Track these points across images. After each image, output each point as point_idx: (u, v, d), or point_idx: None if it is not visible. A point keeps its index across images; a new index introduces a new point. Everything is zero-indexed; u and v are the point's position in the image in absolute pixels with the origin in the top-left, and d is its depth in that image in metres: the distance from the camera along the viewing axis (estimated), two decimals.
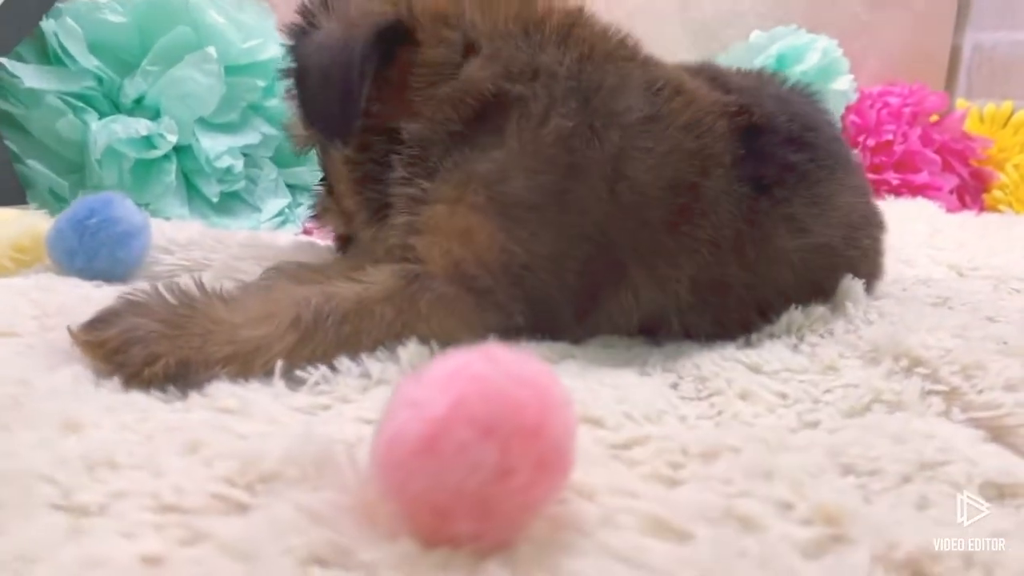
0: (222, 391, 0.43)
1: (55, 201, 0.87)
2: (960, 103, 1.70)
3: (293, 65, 0.57)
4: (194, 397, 0.42)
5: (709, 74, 0.64)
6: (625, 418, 0.42)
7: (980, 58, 1.77)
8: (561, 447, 0.31)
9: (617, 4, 1.36)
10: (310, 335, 0.46)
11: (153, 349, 0.43)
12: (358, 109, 0.52)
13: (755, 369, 0.51)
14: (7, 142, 0.87)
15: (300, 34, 0.58)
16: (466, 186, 0.52)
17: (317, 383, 0.45)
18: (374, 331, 0.48)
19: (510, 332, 0.51)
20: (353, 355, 0.47)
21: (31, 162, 0.87)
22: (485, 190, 0.51)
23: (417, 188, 0.53)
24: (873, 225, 0.69)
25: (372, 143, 0.56)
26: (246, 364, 0.45)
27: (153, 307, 0.46)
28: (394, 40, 0.54)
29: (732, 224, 0.57)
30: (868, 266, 0.68)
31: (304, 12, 0.58)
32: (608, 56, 0.57)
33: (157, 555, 0.28)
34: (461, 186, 0.52)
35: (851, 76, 1.49)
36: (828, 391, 0.48)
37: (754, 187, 0.58)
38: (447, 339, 0.48)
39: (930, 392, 0.48)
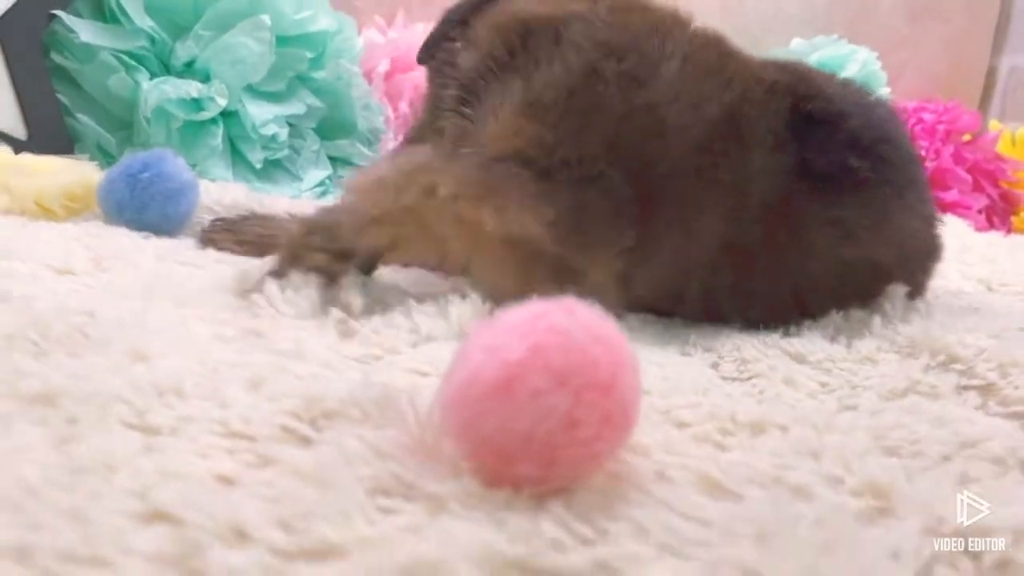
0: (278, 335, 0.44)
1: (102, 156, 0.88)
2: (993, 124, 1.70)
3: None
4: (251, 338, 0.43)
5: (792, 68, 0.64)
6: (673, 389, 0.43)
7: (1015, 81, 1.77)
8: (627, 406, 0.31)
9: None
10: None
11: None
12: (437, 35, 0.62)
13: (798, 359, 0.52)
14: (59, 95, 0.88)
15: None
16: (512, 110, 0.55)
17: (368, 335, 0.46)
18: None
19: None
20: None
21: (81, 116, 0.89)
22: (527, 108, 0.55)
23: (461, 116, 0.58)
24: (931, 258, 0.68)
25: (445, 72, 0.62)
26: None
27: None
28: None
29: (761, 200, 0.57)
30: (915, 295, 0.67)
31: None
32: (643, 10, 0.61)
33: (230, 475, 0.29)
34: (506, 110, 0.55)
35: (888, 90, 1.49)
36: (868, 378, 0.49)
37: (798, 176, 0.58)
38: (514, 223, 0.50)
39: (966, 387, 0.48)
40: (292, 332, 0.44)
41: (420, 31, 1.08)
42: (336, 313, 0.49)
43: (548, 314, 0.31)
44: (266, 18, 0.90)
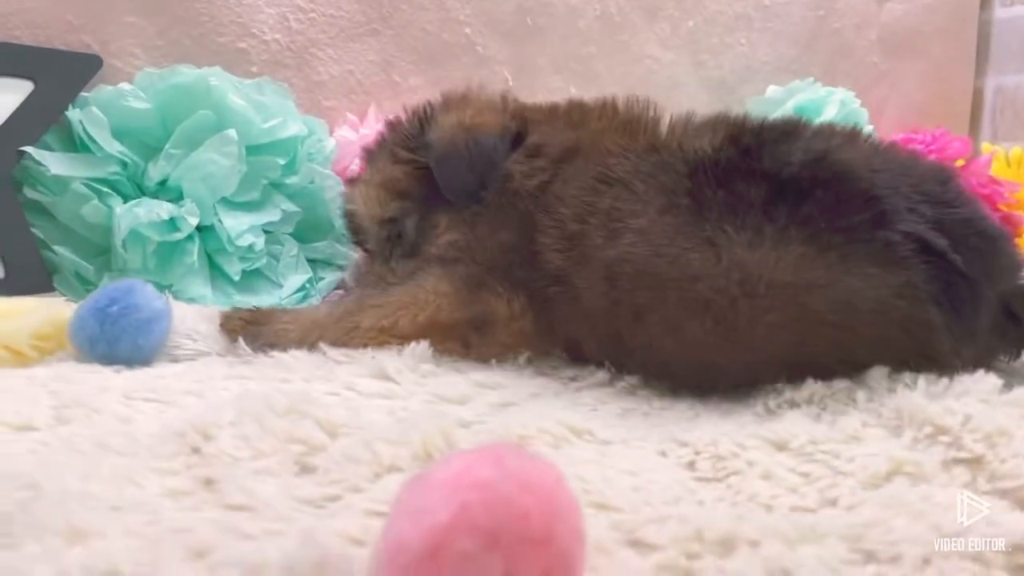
0: (231, 486, 0.42)
1: (81, 284, 0.88)
2: (985, 147, 1.69)
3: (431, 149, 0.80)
4: (202, 492, 0.42)
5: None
6: (642, 502, 0.41)
7: (1003, 101, 1.76)
8: (568, 555, 0.30)
9: (632, 65, 1.37)
10: (339, 305, 0.74)
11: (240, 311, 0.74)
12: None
13: (780, 446, 0.50)
14: (34, 229, 0.89)
15: (423, 124, 0.83)
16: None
17: (328, 470, 0.45)
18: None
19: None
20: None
21: (58, 248, 0.89)
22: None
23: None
24: None
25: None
26: (297, 320, 0.72)
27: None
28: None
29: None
30: None
31: (422, 109, 0.84)
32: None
33: None
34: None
35: (871, 127, 1.49)
36: (850, 460, 0.47)
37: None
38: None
39: (955, 460, 0.46)
40: (247, 479, 0.43)
41: None
42: (296, 448, 0.48)
43: (473, 468, 0.30)
44: (232, 133, 0.91)
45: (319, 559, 0.33)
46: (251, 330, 0.72)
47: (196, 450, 0.47)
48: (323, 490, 0.43)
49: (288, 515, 0.40)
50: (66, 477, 0.42)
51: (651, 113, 0.75)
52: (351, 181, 0.90)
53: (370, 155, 0.88)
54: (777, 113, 1.41)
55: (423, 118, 0.84)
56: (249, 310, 0.75)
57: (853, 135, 0.66)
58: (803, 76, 1.49)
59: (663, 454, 0.50)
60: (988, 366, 0.57)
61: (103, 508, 0.39)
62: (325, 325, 0.71)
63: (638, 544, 0.37)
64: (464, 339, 0.70)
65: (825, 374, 0.58)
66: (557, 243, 0.67)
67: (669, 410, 0.60)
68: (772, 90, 1.47)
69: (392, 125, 0.87)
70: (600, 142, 0.72)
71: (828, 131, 0.65)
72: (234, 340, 0.72)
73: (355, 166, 1.03)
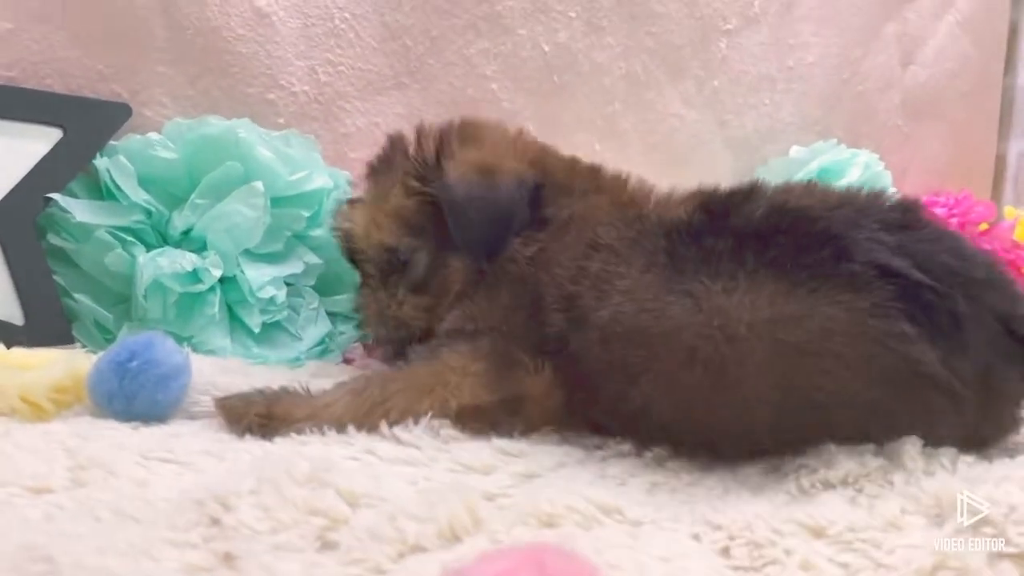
0: (251, 563, 0.41)
1: (100, 333, 0.88)
2: (1008, 212, 1.67)
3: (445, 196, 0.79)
4: (221, 571, 0.41)
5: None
6: None
7: None
8: None
9: (657, 123, 1.37)
10: (362, 393, 0.67)
11: (253, 406, 0.66)
12: (510, 240, 0.76)
13: (817, 533, 0.48)
14: (56, 276, 0.89)
15: (432, 169, 0.81)
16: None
17: (351, 547, 0.44)
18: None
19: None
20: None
21: (78, 295, 0.89)
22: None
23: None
24: None
25: None
26: (316, 419, 0.65)
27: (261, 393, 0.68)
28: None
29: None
30: None
31: (437, 136, 0.84)
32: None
33: None
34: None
35: (894, 190, 1.48)
36: (891, 552, 0.45)
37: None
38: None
39: (1000, 555, 0.44)
40: (267, 555, 0.42)
41: None
42: (317, 521, 0.46)
43: (517, 571, 0.29)
44: (259, 185, 0.91)
45: None
46: (264, 432, 0.64)
47: (216, 521, 0.45)
48: (345, 570, 0.42)
49: None
50: (81, 550, 0.41)
51: (645, 190, 0.80)
52: (351, 201, 0.89)
53: (374, 173, 0.87)
54: (800, 174, 1.40)
55: (438, 147, 0.82)
56: (264, 404, 0.66)
57: (811, 186, 0.72)
58: (826, 137, 1.49)
59: (696, 538, 0.48)
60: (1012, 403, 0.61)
61: None
62: (346, 424, 0.65)
63: None
64: (494, 421, 0.67)
65: (827, 420, 0.58)
66: (556, 302, 0.69)
67: (698, 485, 0.58)
68: (795, 150, 1.46)
69: (398, 145, 0.86)
70: (594, 214, 0.75)
71: (789, 186, 0.70)
72: (242, 435, 0.65)
73: None
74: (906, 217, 0.63)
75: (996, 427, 0.62)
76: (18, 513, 0.47)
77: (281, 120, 1.06)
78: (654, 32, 1.34)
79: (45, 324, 0.87)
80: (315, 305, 0.98)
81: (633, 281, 0.64)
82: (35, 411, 0.66)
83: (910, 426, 0.57)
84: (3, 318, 0.87)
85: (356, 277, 0.90)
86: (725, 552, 0.47)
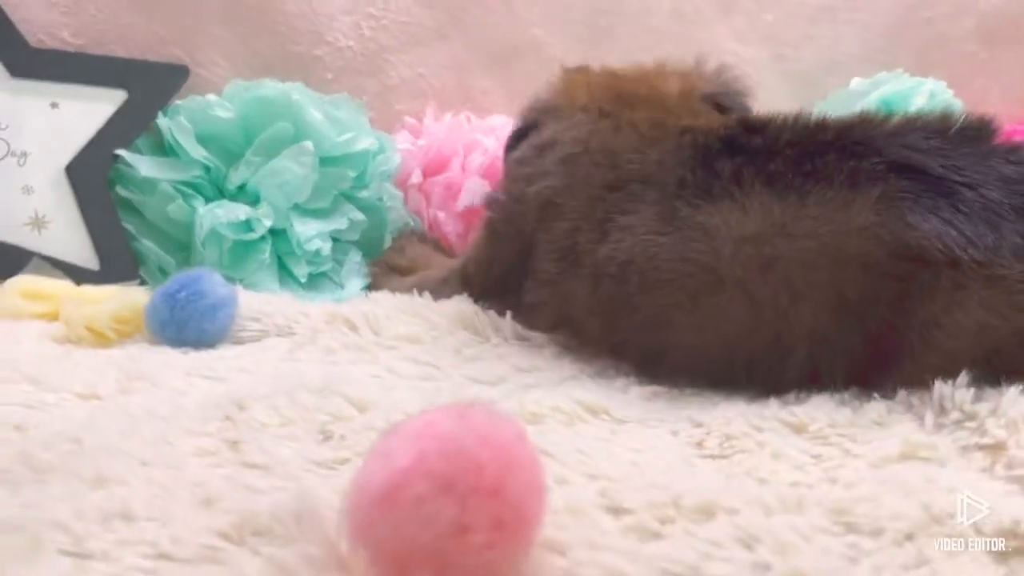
0: (253, 447, 0.46)
1: (163, 276, 0.95)
2: None
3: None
4: (226, 453, 0.45)
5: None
6: (634, 475, 0.42)
7: None
8: (521, 509, 0.31)
9: (709, 58, 1.35)
10: None
11: None
12: None
13: (798, 429, 0.50)
14: (125, 224, 0.97)
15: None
16: None
17: (345, 437, 0.48)
18: None
19: None
20: None
21: (144, 241, 0.97)
22: None
23: None
24: None
25: None
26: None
27: None
28: None
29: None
30: None
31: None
32: None
33: None
34: None
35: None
36: (868, 442, 0.47)
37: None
38: None
39: (978, 446, 0.45)
40: (269, 442, 0.46)
41: (447, 123, 1.13)
42: (321, 418, 0.51)
43: (438, 421, 0.32)
44: (309, 144, 0.97)
45: (308, 508, 0.36)
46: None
47: (229, 417, 0.50)
48: (336, 454, 0.46)
49: (298, 474, 0.43)
50: (108, 434, 0.46)
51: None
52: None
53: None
54: (859, 106, 1.36)
55: None
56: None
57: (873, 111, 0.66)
58: (892, 68, 1.44)
59: (674, 433, 0.50)
60: None
61: (133, 462, 0.42)
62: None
63: (615, 509, 0.37)
64: None
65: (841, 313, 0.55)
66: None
67: (699, 396, 0.59)
68: (856, 82, 1.42)
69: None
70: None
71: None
72: None
73: (416, 178, 1.07)
74: (966, 132, 0.59)
75: None
76: (64, 412, 0.53)
77: (329, 75, 1.11)
78: None
79: (117, 267, 0.96)
80: (358, 259, 1.04)
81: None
82: (99, 339, 0.73)
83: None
84: (80, 263, 0.95)
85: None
86: (699, 444, 0.49)
